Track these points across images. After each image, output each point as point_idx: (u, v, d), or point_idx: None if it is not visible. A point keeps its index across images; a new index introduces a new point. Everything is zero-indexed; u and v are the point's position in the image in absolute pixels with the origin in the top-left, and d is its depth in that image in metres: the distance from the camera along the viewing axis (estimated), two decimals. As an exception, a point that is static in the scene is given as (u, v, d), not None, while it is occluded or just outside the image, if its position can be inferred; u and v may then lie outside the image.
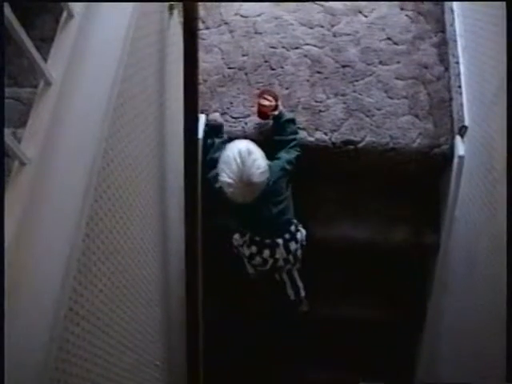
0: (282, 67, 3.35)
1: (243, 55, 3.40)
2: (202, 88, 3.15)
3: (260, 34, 3.46)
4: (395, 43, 3.42)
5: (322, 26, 3.47)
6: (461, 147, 2.98)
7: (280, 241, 2.89)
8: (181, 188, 2.58)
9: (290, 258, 2.96)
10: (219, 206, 2.94)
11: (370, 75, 3.32)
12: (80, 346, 1.53)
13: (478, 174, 2.67)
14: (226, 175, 2.60)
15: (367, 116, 3.20)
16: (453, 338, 3.00)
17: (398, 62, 3.36)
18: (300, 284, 3.16)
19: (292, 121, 3.04)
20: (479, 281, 2.53)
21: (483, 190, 2.55)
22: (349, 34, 3.45)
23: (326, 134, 3.16)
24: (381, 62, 3.36)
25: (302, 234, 2.99)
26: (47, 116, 1.39)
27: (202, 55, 3.08)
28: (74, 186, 1.48)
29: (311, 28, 3.47)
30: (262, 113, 3.10)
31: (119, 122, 1.80)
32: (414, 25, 3.46)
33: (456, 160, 2.99)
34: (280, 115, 3.02)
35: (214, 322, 3.48)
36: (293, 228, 2.94)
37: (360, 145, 3.15)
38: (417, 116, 3.20)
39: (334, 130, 3.17)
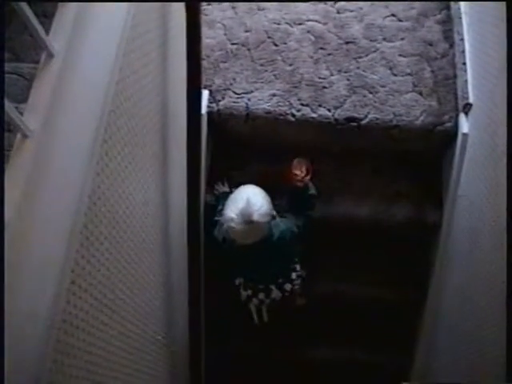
0: (286, 43, 3.33)
1: (246, 31, 3.38)
2: (204, 63, 3.13)
3: (263, 9, 3.44)
4: (399, 20, 3.40)
5: (326, 2, 3.45)
6: (465, 125, 2.97)
7: (272, 286, 3.01)
8: (184, 162, 2.57)
9: (286, 294, 3.08)
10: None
11: (374, 52, 3.30)
12: (82, 318, 1.54)
13: (482, 151, 2.66)
14: (230, 210, 2.64)
15: (371, 93, 3.19)
16: (454, 317, 3.00)
17: (402, 39, 3.34)
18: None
19: (314, 197, 3.02)
20: (481, 259, 2.53)
21: (486, 168, 2.54)
22: (352, 11, 3.43)
23: (329, 110, 3.15)
24: (385, 39, 3.34)
25: (296, 271, 3.09)
26: (49, 88, 1.38)
27: (204, 31, 3.06)
28: (77, 160, 1.47)
29: (314, 4, 3.44)
30: (289, 180, 2.98)
31: (122, 95, 1.78)
32: (419, 1, 3.43)
33: (460, 137, 2.98)
34: (306, 188, 2.98)
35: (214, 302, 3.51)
36: (293, 275, 3.06)
37: (363, 122, 3.14)
38: (421, 93, 3.19)
39: (338, 107, 3.15)
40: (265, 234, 2.70)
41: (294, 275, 3.04)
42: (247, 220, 2.59)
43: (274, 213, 2.77)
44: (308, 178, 2.96)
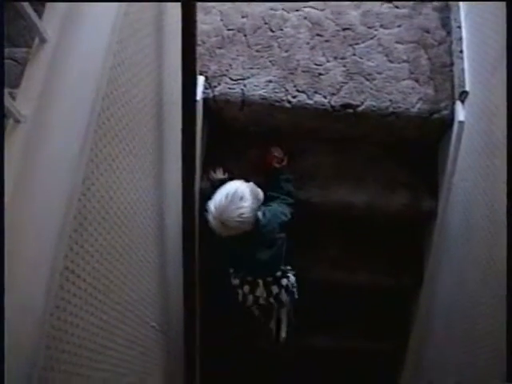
0: (282, 29, 3.31)
1: (242, 17, 3.35)
2: (200, 49, 3.12)
3: (259, -5, 3.42)
4: (396, 7, 3.38)
5: (323, -11, 3.43)
6: (461, 113, 2.96)
7: (260, 281, 2.96)
8: (179, 148, 2.56)
9: (272, 300, 3.03)
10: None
11: (371, 39, 3.29)
12: (76, 304, 1.53)
13: (478, 140, 2.65)
14: (213, 203, 2.67)
15: (367, 80, 3.18)
16: (449, 304, 3.01)
17: (399, 26, 3.32)
18: (283, 326, 3.21)
19: (289, 180, 3.10)
20: (476, 248, 2.53)
21: (482, 157, 2.53)
22: (350, -3, 3.41)
23: (325, 97, 3.14)
24: (382, 26, 3.32)
25: (289, 280, 3.05)
26: (42, 73, 1.38)
27: (200, 16, 3.04)
28: (70, 144, 1.46)
29: (312, -10, 3.42)
30: (267, 161, 3.17)
31: (116, 81, 1.77)
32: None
33: (456, 125, 2.97)
34: (280, 171, 3.11)
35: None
36: (279, 274, 3.01)
37: (359, 109, 3.12)
38: (417, 80, 3.18)
39: (334, 94, 3.14)
40: (245, 229, 2.71)
41: (284, 281, 3.03)
42: (222, 220, 2.63)
43: (260, 214, 2.78)
44: (284, 162, 3.17)
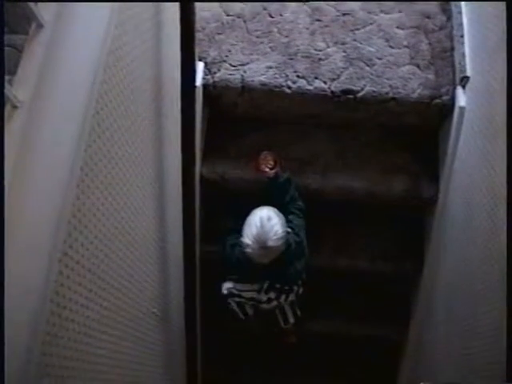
0: (281, 15, 3.30)
1: (242, 2, 3.34)
2: (200, 35, 3.11)
3: (259, -20, 3.39)
4: (397, -9, 3.36)
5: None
6: (462, 98, 2.95)
7: (296, 287, 3.06)
8: (178, 135, 2.56)
9: (295, 299, 3.16)
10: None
11: (371, 24, 3.27)
12: (75, 290, 1.53)
13: (479, 125, 2.64)
14: (246, 237, 2.70)
15: (367, 65, 3.16)
16: (449, 291, 3.01)
17: (400, 11, 3.31)
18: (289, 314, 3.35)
19: (290, 182, 3.06)
20: (477, 234, 2.53)
21: (483, 142, 2.52)
22: (350, -18, 3.38)
23: (325, 82, 3.12)
24: (382, 11, 3.31)
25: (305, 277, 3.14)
26: (39, 59, 1.37)
27: (199, 2, 3.02)
28: (68, 130, 1.46)
29: (312, -25, 3.40)
30: (259, 171, 3.11)
31: (114, 66, 1.77)
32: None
33: (457, 111, 2.96)
34: (276, 177, 3.05)
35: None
36: (304, 275, 3.08)
37: (359, 94, 3.11)
38: (418, 66, 3.16)
39: (334, 79, 3.13)
40: (282, 250, 2.75)
41: (304, 275, 3.10)
42: (263, 246, 2.66)
43: (289, 229, 2.83)
44: (276, 169, 3.05)
